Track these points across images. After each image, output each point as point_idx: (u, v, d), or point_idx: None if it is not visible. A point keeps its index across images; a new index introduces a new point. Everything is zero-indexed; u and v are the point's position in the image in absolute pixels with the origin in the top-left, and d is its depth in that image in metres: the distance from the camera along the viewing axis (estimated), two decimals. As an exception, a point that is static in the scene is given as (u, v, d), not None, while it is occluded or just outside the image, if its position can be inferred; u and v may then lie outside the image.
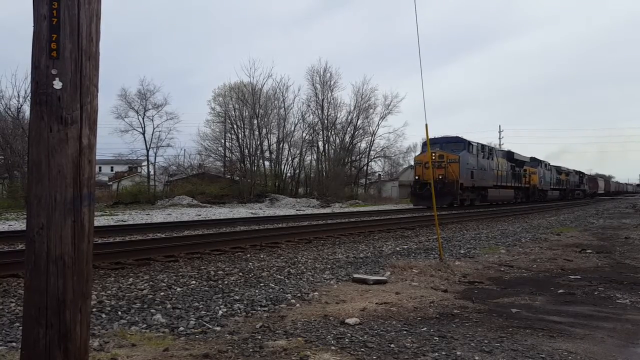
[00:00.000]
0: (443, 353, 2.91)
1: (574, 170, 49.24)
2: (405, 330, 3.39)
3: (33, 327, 1.80)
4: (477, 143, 25.47)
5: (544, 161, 37.87)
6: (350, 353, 2.89)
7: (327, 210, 22.33)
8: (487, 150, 26.62)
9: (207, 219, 15.29)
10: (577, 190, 49.84)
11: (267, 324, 3.44)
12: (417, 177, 23.94)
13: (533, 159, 35.76)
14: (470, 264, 6.59)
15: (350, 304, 4.09)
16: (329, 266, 6.06)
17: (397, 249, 7.99)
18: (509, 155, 30.59)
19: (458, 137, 24.99)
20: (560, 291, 4.89)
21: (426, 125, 7.56)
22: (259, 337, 3.17)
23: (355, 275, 5.22)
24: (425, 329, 3.43)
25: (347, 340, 3.13)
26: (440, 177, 22.24)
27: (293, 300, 4.16)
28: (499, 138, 55.86)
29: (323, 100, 38.48)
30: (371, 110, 40.42)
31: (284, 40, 80.00)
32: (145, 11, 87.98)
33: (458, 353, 2.92)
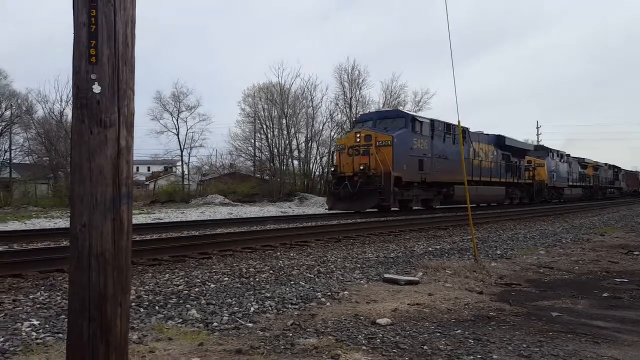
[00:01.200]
0: (479, 356, 2.84)
1: (605, 163, 40.91)
2: (439, 332, 3.33)
3: (77, 319, 1.88)
4: (431, 119, 17.71)
5: (558, 151, 29.96)
6: (382, 354, 2.86)
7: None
8: (454, 131, 18.24)
9: (238, 217, 15.54)
10: (610, 188, 41.91)
11: (298, 322, 3.46)
12: (333, 169, 16.96)
13: (540, 147, 28.74)
14: (507, 265, 6.40)
15: (381, 304, 4.05)
16: (359, 265, 6.03)
17: (430, 249, 7.85)
18: (499, 141, 22.49)
19: (398, 110, 18.53)
20: (605, 295, 4.67)
21: (459, 121, 7.40)
22: (290, 334, 3.19)
23: (386, 275, 5.17)
24: (459, 331, 3.36)
25: (378, 340, 3.10)
26: (361, 167, 15.34)
27: (323, 299, 4.17)
28: (537, 134, 53.84)
29: (351, 98, 38.28)
30: (401, 107, 39.91)
31: (312, 39, 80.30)
32: (175, 16, 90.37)
33: (494, 357, 2.83)
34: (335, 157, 17.21)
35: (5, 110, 36.75)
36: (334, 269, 5.74)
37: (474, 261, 6.23)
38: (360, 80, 38.54)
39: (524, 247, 8.25)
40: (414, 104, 40.47)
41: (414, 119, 16.78)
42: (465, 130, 19.12)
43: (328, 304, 4.03)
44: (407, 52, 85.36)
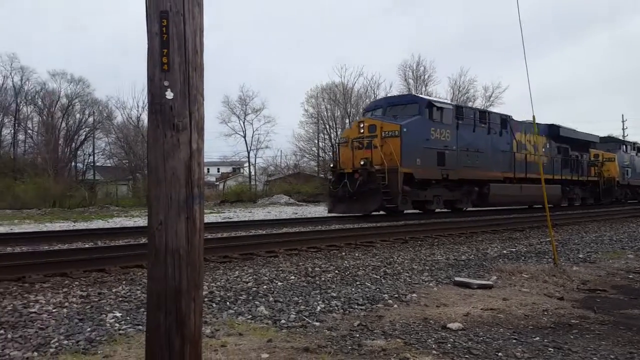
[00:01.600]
0: (561, 367, 2.62)
1: None
2: (515, 338, 3.12)
3: (155, 313, 2.00)
4: (456, 105, 15.56)
5: (635, 143, 25.96)
6: (453, 359, 2.74)
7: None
8: (489, 119, 15.73)
9: (303, 217, 15.79)
10: None
11: (365, 323, 3.42)
12: (332, 165, 14.66)
13: (608, 139, 24.55)
14: (591, 269, 5.88)
15: (452, 308, 3.89)
16: (427, 267, 5.84)
17: (504, 251, 7.43)
18: (552, 131, 18.99)
19: (411, 95, 16.20)
20: None
21: (533, 117, 6.93)
22: (357, 335, 3.16)
23: (457, 279, 4.95)
24: (537, 338, 3.12)
25: (449, 345, 2.97)
26: (362, 163, 12.94)
27: (390, 301, 4.08)
28: (623, 129, 49.02)
29: (417, 95, 37.42)
30: (470, 103, 38.29)
31: (375, 38, 79.39)
32: (240, 21, 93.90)
33: (579, 369, 2.60)
34: (335, 152, 14.95)
35: (89, 117, 40.64)
36: (401, 270, 5.62)
37: (554, 265, 5.79)
38: (426, 77, 37.68)
39: (609, 251, 7.54)
40: (484, 99, 38.73)
41: (430, 104, 14.09)
42: (506, 119, 16.59)
43: (395, 306, 3.94)
44: (477, 44, 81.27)
